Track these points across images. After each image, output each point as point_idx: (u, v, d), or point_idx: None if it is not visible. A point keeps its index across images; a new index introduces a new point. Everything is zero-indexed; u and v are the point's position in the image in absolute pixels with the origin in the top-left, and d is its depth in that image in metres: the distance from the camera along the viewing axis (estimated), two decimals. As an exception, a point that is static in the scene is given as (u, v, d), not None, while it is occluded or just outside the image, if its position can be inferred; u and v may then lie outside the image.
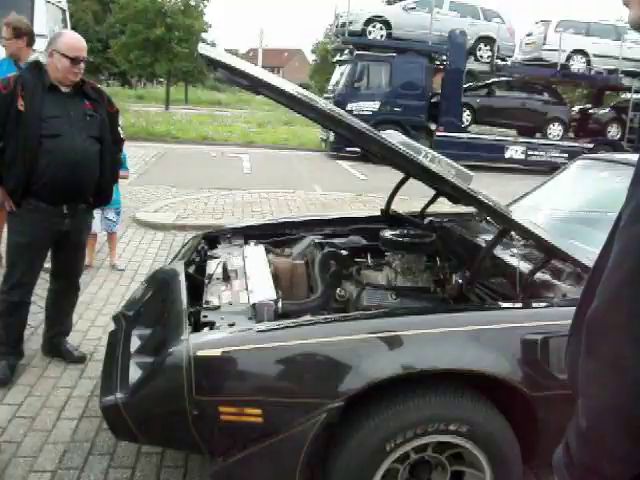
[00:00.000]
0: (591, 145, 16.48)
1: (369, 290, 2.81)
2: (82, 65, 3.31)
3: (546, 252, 2.53)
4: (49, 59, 3.28)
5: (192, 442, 2.17)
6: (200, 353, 2.08)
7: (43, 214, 3.34)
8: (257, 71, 2.23)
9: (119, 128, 3.74)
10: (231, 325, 2.30)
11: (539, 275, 2.55)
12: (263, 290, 2.62)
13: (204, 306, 2.56)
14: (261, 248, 3.37)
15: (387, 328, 2.16)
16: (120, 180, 4.47)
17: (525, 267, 2.64)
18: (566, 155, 16.13)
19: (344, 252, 3.17)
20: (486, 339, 2.19)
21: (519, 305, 2.40)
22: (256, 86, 2.17)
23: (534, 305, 2.39)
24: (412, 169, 2.53)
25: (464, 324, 2.21)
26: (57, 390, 3.44)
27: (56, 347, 3.78)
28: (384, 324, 2.19)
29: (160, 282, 2.88)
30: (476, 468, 2.30)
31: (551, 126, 17.17)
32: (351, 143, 3.34)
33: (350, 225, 3.83)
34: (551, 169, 16.05)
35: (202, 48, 2.30)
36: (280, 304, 2.52)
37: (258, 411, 2.09)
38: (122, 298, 4.91)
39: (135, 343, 2.55)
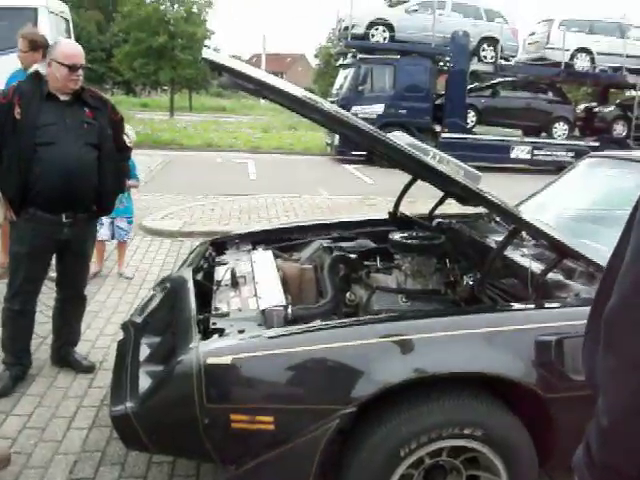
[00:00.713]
0: (597, 143, 16.41)
1: (379, 294, 2.78)
2: (81, 72, 3.29)
3: (558, 251, 2.49)
4: (48, 69, 3.27)
5: (204, 451, 2.15)
6: (210, 361, 2.05)
7: (41, 223, 3.34)
8: (262, 75, 2.21)
9: (125, 136, 3.72)
10: (241, 332, 2.27)
11: (551, 275, 2.51)
12: (272, 296, 2.60)
13: (213, 313, 2.54)
14: (269, 253, 3.34)
15: (399, 332, 2.13)
16: (132, 189, 4.48)
17: (537, 267, 2.60)
18: (572, 154, 16.09)
19: (353, 256, 3.14)
20: (499, 341, 2.16)
21: (532, 306, 2.36)
22: (261, 90, 2.15)
23: (547, 305, 2.35)
24: (420, 170, 2.50)
25: (477, 326, 2.18)
26: (67, 400, 3.43)
27: (64, 357, 3.76)
28: (396, 328, 2.16)
29: (168, 289, 2.86)
30: (492, 472, 2.27)
31: (556, 125, 17.13)
32: (358, 146, 3.32)
33: (358, 228, 3.80)
34: (557, 168, 16.01)
35: (206, 53, 2.28)
36: (290, 310, 2.49)
37: (270, 418, 2.07)
38: (130, 306, 4.89)
39: (144, 351, 2.53)
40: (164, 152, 16.76)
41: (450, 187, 2.44)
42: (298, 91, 2.26)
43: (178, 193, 10.17)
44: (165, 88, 42.57)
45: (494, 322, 2.22)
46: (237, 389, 2.08)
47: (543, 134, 17.45)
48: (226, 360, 2.06)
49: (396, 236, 3.09)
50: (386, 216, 3.82)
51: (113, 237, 5.72)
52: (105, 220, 5.41)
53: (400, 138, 2.75)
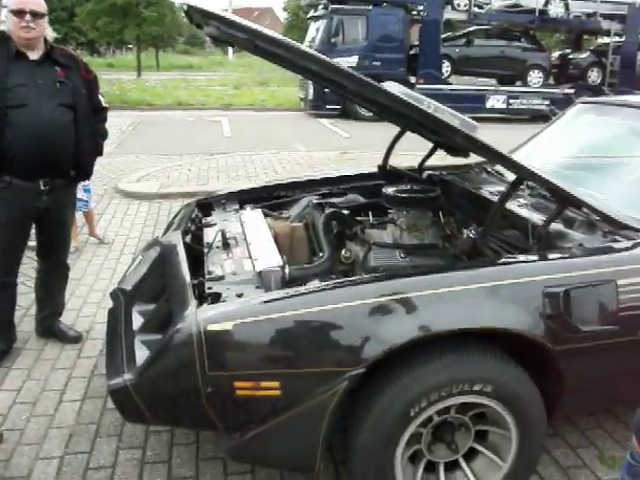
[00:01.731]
0: (572, 90, 16.33)
1: (376, 250, 2.70)
2: (29, 18, 3.03)
3: (560, 200, 2.42)
4: (6, 24, 3.08)
5: (206, 420, 2.07)
6: (210, 327, 1.96)
7: (18, 191, 3.15)
8: (253, 24, 2.07)
9: (100, 96, 3.54)
10: (239, 296, 2.18)
11: (553, 225, 2.45)
12: (268, 256, 2.50)
13: (207, 277, 2.44)
14: (258, 212, 3.24)
15: (403, 289, 2.05)
16: None
17: (537, 218, 2.54)
18: (547, 102, 16.02)
19: (346, 212, 3.05)
20: (506, 295, 2.10)
21: (537, 257, 2.30)
22: (255, 39, 2.01)
23: (552, 256, 2.29)
24: (414, 121, 2.39)
25: (481, 280, 2.11)
26: (56, 372, 3.33)
27: (50, 328, 3.65)
28: (399, 285, 2.08)
29: (157, 254, 2.75)
30: (501, 427, 2.23)
31: (531, 73, 17.02)
32: (346, 96, 3.18)
33: (346, 183, 3.70)
34: (533, 117, 15.99)
35: (190, 1, 2.13)
36: (287, 270, 2.41)
37: (275, 384, 2.00)
38: (113, 272, 4.79)
39: (137, 320, 2.43)
40: (134, 112, 16.35)
41: (449, 137, 2.33)
42: (290, 40, 2.13)
43: (152, 154, 9.94)
44: (130, 47, 41.48)
45: (499, 275, 2.15)
46: (240, 356, 1.99)
47: (518, 82, 17.32)
48: (227, 326, 1.97)
49: (390, 190, 3.00)
50: (374, 169, 3.72)
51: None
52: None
53: (393, 87, 2.64)
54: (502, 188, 3.08)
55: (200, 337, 1.95)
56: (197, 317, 2.00)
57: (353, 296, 2.04)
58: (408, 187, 3.00)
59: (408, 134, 3.46)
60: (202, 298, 2.24)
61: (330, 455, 2.62)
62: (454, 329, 2.03)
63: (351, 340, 1.99)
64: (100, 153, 3.56)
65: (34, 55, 3.15)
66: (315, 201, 3.30)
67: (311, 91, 15.77)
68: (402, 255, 2.68)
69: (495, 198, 2.89)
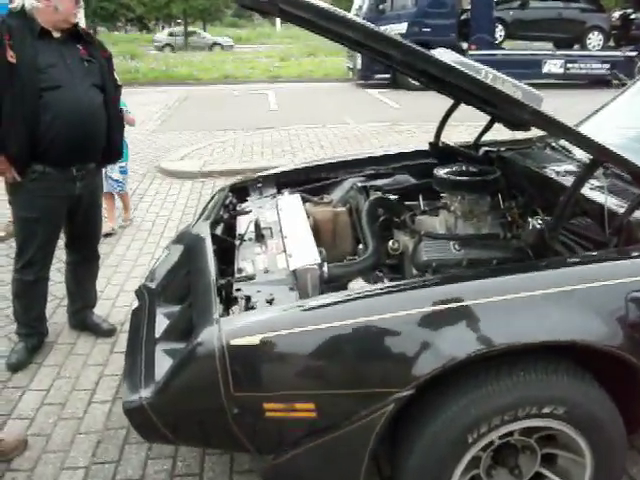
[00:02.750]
0: (634, 53, 15.40)
1: (427, 241, 2.39)
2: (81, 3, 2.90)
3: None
4: (40, 3, 2.82)
5: (236, 441, 1.83)
6: (235, 342, 1.70)
7: (52, 181, 2.94)
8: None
9: (115, 74, 3.29)
10: (269, 301, 1.91)
11: (636, 214, 2.09)
12: (304, 252, 2.23)
13: (236, 276, 2.18)
14: (297, 197, 2.96)
15: (460, 296, 1.75)
16: (129, 129, 4.09)
17: (615, 204, 2.18)
18: (608, 66, 15.18)
19: (393, 197, 2.73)
20: (584, 301, 1.77)
21: (621, 255, 1.95)
22: (277, 1, 1.71)
23: (636, 253, 1.94)
24: (474, 92, 2.04)
25: (555, 284, 1.78)
26: (87, 369, 3.15)
27: (82, 321, 3.48)
28: (456, 291, 1.78)
29: (184, 249, 2.50)
30: (573, 451, 1.92)
31: (590, 36, 16.08)
32: (393, 67, 2.86)
33: (395, 162, 3.38)
34: (592, 82, 15.16)
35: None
36: (326, 268, 2.13)
37: (311, 405, 1.73)
38: (152, 257, 4.59)
39: (161, 323, 2.19)
40: (181, 88, 16.23)
41: (512, 112, 1.99)
42: (319, 2, 1.82)
43: (197, 130, 9.75)
44: (179, 21, 41.37)
45: (577, 278, 1.82)
46: (269, 374, 1.73)
47: (576, 46, 16.44)
48: (254, 340, 1.71)
49: (441, 172, 2.67)
50: (425, 147, 3.38)
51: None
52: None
53: (445, 55, 2.30)
54: (571, 167, 2.73)
55: (223, 353, 1.70)
56: (220, 329, 1.74)
57: (401, 304, 1.75)
58: (463, 168, 2.66)
59: (462, 106, 3.11)
60: (229, 301, 1.99)
61: (376, 468, 2.36)
62: (523, 343, 1.72)
63: (399, 356, 1.71)
64: (123, 134, 3.36)
65: (57, 33, 2.92)
66: (360, 184, 3.00)
67: (359, 61, 15.31)
68: (457, 247, 2.36)
69: (563, 179, 2.53)
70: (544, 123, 1.89)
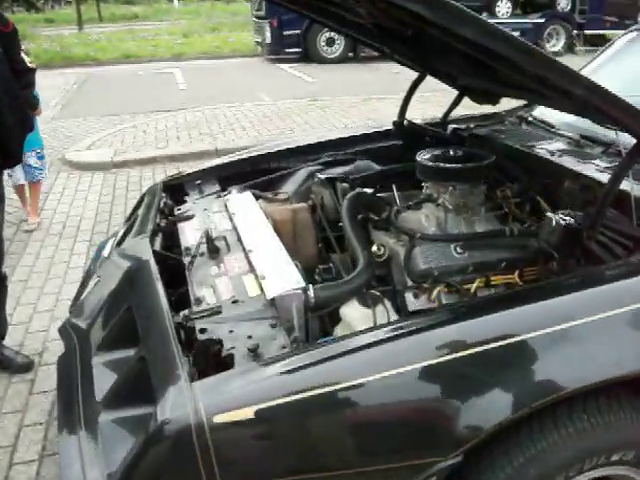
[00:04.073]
0: (542, 20, 15.53)
1: (423, 245, 1.97)
2: None
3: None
4: None
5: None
6: (220, 419, 1.23)
7: None
8: None
9: (24, 54, 2.68)
10: (253, 351, 1.43)
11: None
12: (280, 272, 1.76)
13: (195, 309, 1.69)
14: (248, 196, 2.48)
15: (511, 330, 1.34)
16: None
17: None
18: (517, 33, 15.22)
19: (369, 190, 2.29)
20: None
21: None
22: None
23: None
24: (519, 64, 1.55)
25: (616, 303, 1.40)
26: (3, 419, 2.57)
27: (-9, 357, 2.88)
28: (504, 324, 1.37)
29: (122, 276, 1.96)
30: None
31: (499, 3, 16.12)
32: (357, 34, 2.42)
33: (352, 146, 2.94)
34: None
35: None
36: (312, 292, 1.67)
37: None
38: (67, 267, 3.99)
39: (101, 380, 1.67)
40: (78, 70, 15.07)
41: (560, 87, 1.53)
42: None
43: (102, 115, 8.93)
44: (69, 0, 38.94)
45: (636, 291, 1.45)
46: (270, 456, 1.27)
47: (485, 14, 16.42)
48: (246, 414, 1.24)
49: (425, 157, 2.24)
50: (387, 126, 2.96)
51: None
52: None
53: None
54: (562, 145, 2.38)
55: (204, 434, 1.22)
56: (195, 400, 1.26)
57: (427, 348, 1.32)
58: (450, 152, 2.25)
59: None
60: (197, 352, 1.50)
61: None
62: (595, 382, 1.34)
63: (440, 417, 1.28)
64: (30, 128, 2.73)
65: None
66: (322, 176, 2.55)
67: (268, 34, 14.65)
68: (459, 250, 1.95)
69: (562, 161, 2.17)
70: (602, 100, 1.47)
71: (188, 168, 3.03)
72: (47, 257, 4.18)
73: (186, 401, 1.27)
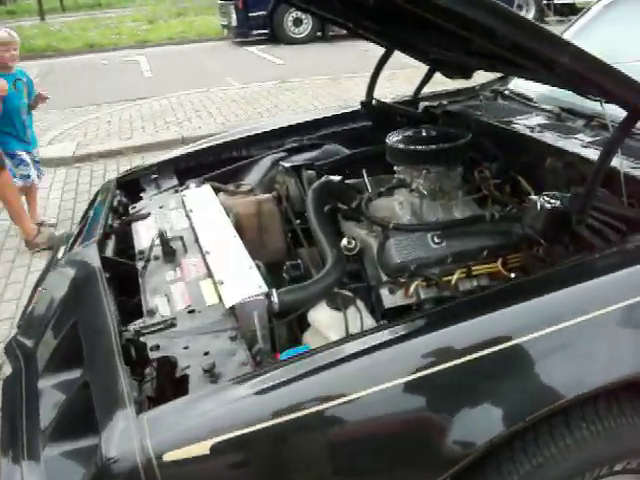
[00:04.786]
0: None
1: (397, 236, 1.81)
2: None
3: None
4: None
5: None
6: (170, 456, 1.07)
7: None
8: None
9: None
10: (209, 371, 1.27)
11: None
12: (240, 275, 1.60)
13: (147, 322, 1.52)
14: (207, 189, 2.30)
15: (504, 333, 1.19)
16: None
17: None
18: None
19: (337, 178, 2.12)
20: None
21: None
22: None
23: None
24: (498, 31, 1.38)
25: (613, 299, 1.26)
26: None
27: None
28: (497, 325, 1.21)
29: (69, 286, 1.78)
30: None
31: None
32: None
33: (318, 130, 2.77)
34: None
35: None
36: (275, 297, 1.51)
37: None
38: (27, 271, 3.79)
39: (46, 407, 1.50)
40: (40, 62, 14.62)
41: (544, 55, 1.36)
42: None
43: (64, 108, 8.62)
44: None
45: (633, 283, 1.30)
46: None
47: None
48: (200, 450, 1.07)
49: (395, 138, 2.08)
50: (355, 106, 2.79)
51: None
52: (26, 156, 4.17)
53: None
54: (542, 119, 2.23)
55: (153, 474, 1.06)
56: (142, 436, 1.09)
57: (411, 359, 1.17)
58: (423, 133, 2.09)
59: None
60: (143, 375, 1.34)
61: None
62: (590, 391, 1.19)
63: (428, 438, 1.14)
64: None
65: None
66: (286, 164, 2.37)
67: (234, 17, 14.31)
68: (436, 239, 1.80)
69: (543, 137, 2.02)
70: (589, 69, 1.30)
71: (154, 159, 2.83)
72: (7, 261, 3.98)
73: (132, 436, 1.10)
